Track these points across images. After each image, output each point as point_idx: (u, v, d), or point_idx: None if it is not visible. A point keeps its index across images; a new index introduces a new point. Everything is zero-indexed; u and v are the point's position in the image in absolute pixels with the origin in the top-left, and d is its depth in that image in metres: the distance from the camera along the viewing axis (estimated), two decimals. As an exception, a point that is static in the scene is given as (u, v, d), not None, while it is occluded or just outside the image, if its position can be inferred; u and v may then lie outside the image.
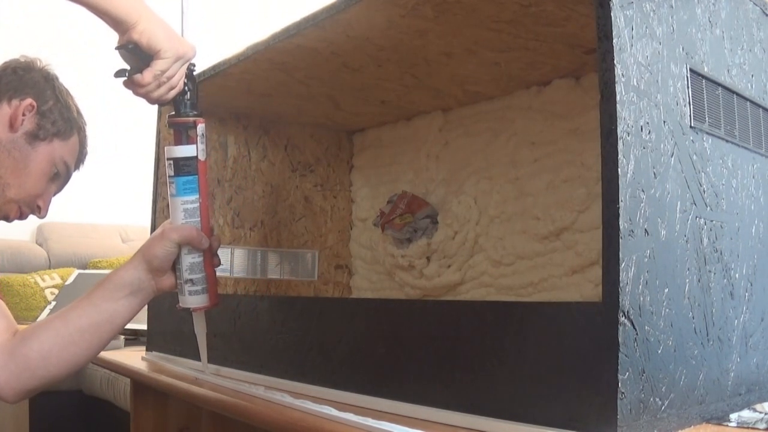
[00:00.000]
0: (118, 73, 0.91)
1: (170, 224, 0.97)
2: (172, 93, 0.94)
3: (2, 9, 3.07)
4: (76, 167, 1.20)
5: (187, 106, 0.96)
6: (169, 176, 0.96)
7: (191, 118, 0.96)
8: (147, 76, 0.90)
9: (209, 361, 1.13)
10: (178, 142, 0.96)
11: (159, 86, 0.92)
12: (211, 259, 0.97)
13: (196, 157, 0.95)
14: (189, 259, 0.95)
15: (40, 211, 1.13)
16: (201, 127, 0.95)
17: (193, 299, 0.97)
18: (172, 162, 0.95)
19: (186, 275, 0.96)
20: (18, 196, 1.09)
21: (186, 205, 0.95)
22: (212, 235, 0.98)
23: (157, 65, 0.90)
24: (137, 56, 0.89)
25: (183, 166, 0.95)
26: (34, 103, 1.09)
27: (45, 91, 1.11)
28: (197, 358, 1.21)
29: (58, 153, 1.12)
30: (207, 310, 1.00)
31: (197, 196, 0.95)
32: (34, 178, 1.10)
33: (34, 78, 1.11)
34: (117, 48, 0.90)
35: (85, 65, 3.37)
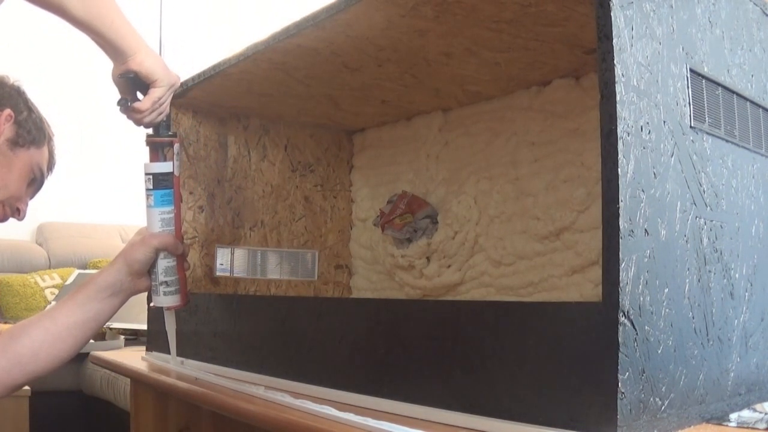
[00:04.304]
0: (120, 102, 1.02)
1: (147, 232, 1.06)
2: (161, 117, 1.05)
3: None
4: (47, 175, 1.27)
5: (164, 127, 1.07)
6: (147, 189, 1.06)
7: (169, 139, 1.07)
8: (146, 102, 1.01)
9: (210, 360, 1.19)
10: (156, 159, 1.06)
11: (153, 112, 1.02)
12: (182, 264, 1.07)
13: (173, 172, 1.06)
14: (164, 264, 1.05)
15: (19, 213, 1.21)
16: (177, 147, 1.07)
17: (167, 299, 1.07)
18: (151, 177, 1.06)
19: (161, 278, 1.05)
20: (3, 197, 1.17)
21: (163, 215, 1.06)
22: (183, 242, 1.08)
23: (155, 93, 1.01)
24: (134, 84, 1.01)
25: (161, 181, 1.05)
26: (12, 113, 1.16)
27: (19, 103, 1.19)
28: (195, 357, 1.24)
29: (35, 159, 1.20)
30: (178, 309, 1.10)
31: (172, 207, 1.06)
32: (17, 181, 1.18)
33: (8, 91, 1.19)
34: (119, 76, 1.00)
35: (86, 72, 3.37)
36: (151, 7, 3.75)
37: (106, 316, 1.03)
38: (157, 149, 1.07)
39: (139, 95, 1.04)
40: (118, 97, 1.04)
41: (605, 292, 0.64)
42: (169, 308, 1.09)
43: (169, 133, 1.08)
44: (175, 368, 1.21)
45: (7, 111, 1.16)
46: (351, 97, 1.43)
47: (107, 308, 1.02)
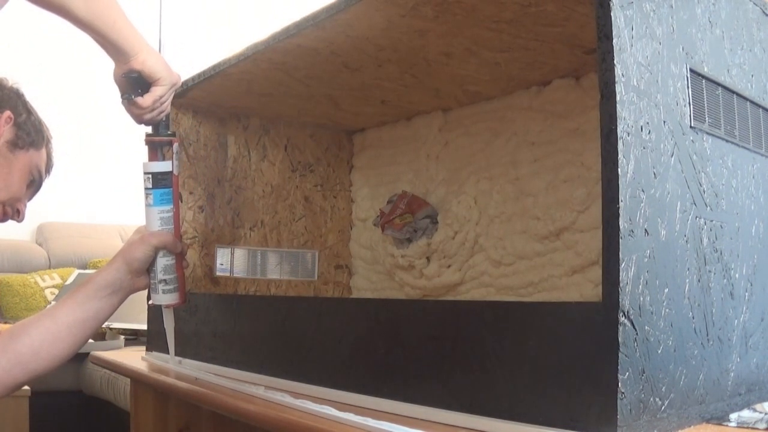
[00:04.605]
0: (124, 97, 1.03)
1: (146, 230, 1.07)
2: (162, 116, 1.05)
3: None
4: (45, 177, 1.28)
5: (164, 126, 1.08)
6: (146, 188, 1.06)
7: (168, 138, 1.08)
8: (147, 100, 1.02)
9: (210, 360, 1.19)
10: (155, 158, 1.07)
11: (153, 110, 1.03)
12: (181, 262, 1.08)
13: (172, 171, 1.07)
14: (163, 262, 1.06)
15: (18, 214, 1.22)
16: (176, 146, 1.08)
17: (166, 297, 1.07)
18: (150, 176, 1.06)
19: (160, 276, 1.06)
20: (4, 198, 1.18)
21: (162, 214, 1.06)
22: (182, 241, 1.10)
23: (157, 91, 1.02)
24: (136, 83, 1.01)
25: (160, 180, 1.06)
26: (12, 116, 1.17)
27: (18, 106, 1.20)
28: (195, 357, 1.24)
29: (34, 161, 1.21)
30: (176, 307, 1.11)
31: (171, 206, 1.07)
32: (17, 182, 1.19)
33: (7, 94, 1.20)
34: (122, 76, 1.01)
35: (85, 73, 3.37)
36: (150, 8, 3.75)
37: (106, 315, 1.03)
38: (156, 148, 1.07)
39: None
40: (119, 97, 1.04)
41: (605, 292, 0.64)
42: (167, 306, 1.10)
43: (168, 132, 1.08)
44: (175, 368, 1.22)
45: (7, 113, 1.16)
46: (351, 97, 1.43)
47: (107, 307, 1.03)
